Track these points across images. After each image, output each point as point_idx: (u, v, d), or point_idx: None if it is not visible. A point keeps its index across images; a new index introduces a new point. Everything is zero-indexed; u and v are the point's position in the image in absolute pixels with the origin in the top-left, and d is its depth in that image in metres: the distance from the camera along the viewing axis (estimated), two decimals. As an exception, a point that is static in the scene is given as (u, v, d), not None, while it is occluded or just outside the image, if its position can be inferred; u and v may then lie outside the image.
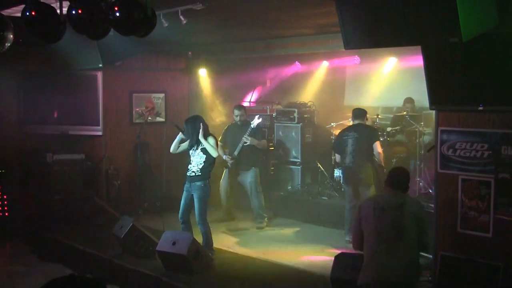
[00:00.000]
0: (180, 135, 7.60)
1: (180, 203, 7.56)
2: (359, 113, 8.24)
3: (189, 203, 7.46)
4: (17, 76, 9.56)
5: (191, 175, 7.37)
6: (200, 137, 7.31)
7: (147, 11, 4.76)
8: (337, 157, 8.39)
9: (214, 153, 7.35)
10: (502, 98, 5.08)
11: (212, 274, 6.84)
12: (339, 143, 8.26)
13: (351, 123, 9.56)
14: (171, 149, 7.71)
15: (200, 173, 7.33)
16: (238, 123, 9.06)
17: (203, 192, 7.33)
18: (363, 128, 8.12)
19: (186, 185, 7.45)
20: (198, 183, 7.31)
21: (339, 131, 8.89)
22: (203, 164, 7.37)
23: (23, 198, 9.44)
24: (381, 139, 8.62)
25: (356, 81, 11.05)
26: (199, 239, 7.30)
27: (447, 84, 5.40)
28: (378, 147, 7.90)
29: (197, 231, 7.50)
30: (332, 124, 9.90)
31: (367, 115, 8.45)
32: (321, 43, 8.83)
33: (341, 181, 9.03)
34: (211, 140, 7.38)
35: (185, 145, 7.60)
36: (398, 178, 4.94)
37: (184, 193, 7.47)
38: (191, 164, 7.44)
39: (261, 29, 8.37)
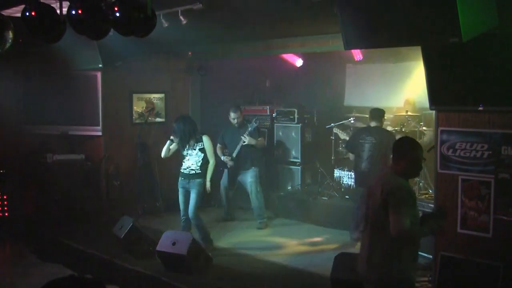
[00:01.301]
0: (170, 140, 7.67)
1: (178, 203, 7.71)
2: (377, 113, 8.07)
3: (189, 200, 7.60)
4: (17, 76, 9.55)
5: (190, 172, 7.53)
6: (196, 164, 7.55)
7: (147, 11, 4.76)
8: (351, 156, 8.32)
9: (212, 159, 7.62)
10: (502, 98, 5.08)
11: (212, 274, 6.85)
12: (354, 145, 8.12)
13: (351, 123, 9.62)
14: (163, 154, 7.80)
15: (200, 171, 7.55)
16: (236, 125, 9.02)
17: (202, 188, 7.59)
18: (381, 133, 7.95)
19: (183, 182, 7.62)
20: (198, 180, 7.55)
21: (356, 130, 8.86)
22: (201, 161, 7.59)
23: (23, 198, 9.44)
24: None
25: (356, 81, 11.05)
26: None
27: (447, 84, 5.41)
28: None
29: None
30: (331, 124, 9.89)
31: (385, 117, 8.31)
32: (321, 43, 8.82)
33: (353, 182, 8.99)
34: (206, 140, 7.59)
35: (174, 145, 7.69)
36: (394, 149, 4.39)
37: (181, 190, 7.65)
38: (187, 162, 7.58)
39: (261, 29, 8.37)
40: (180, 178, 7.67)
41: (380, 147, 7.77)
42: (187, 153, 7.58)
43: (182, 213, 7.71)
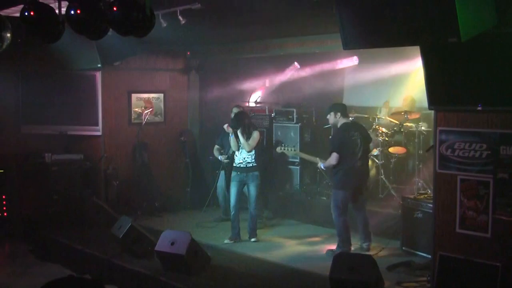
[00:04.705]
0: (234, 134, 7.92)
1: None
2: (345, 107, 7.67)
3: (242, 193, 8.02)
4: (16, 76, 9.55)
5: (247, 166, 7.82)
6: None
7: (145, 11, 4.76)
8: (334, 158, 7.29)
9: (246, 148, 7.78)
10: (501, 98, 5.08)
11: (211, 274, 6.84)
12: (346, 144, 7.36)
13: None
14: (234, 149, 8.02)
15: (256, 164, 7.80)
16: None
17: (260, 180, 7.94)
18: (361, 127, 7.75)
19: (240, 176, 7.88)
20: (256, 173, 7.87)
21: (340, 128, 7.87)
22: (255, 153, 7.84)
23: (22, 198, 9.43)
24: (380, 139, 8.58)
25: (355, 80, 11.03)
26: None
27: (446, 84, 5.41)
28: (372, 147, 7.75)
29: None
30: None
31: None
32: (320, 43, 8.82)
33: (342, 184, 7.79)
34: (255, 134, 7.84)
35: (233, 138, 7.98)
36: None
37: (237, 184, 7.92)
38: (240, 155, 7.82)
39: (260, 29, 8.37)
40: (235, 173, 7.90)
41: (365, 141, 7.56)
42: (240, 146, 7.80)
43: (233, 204, 7.98)
